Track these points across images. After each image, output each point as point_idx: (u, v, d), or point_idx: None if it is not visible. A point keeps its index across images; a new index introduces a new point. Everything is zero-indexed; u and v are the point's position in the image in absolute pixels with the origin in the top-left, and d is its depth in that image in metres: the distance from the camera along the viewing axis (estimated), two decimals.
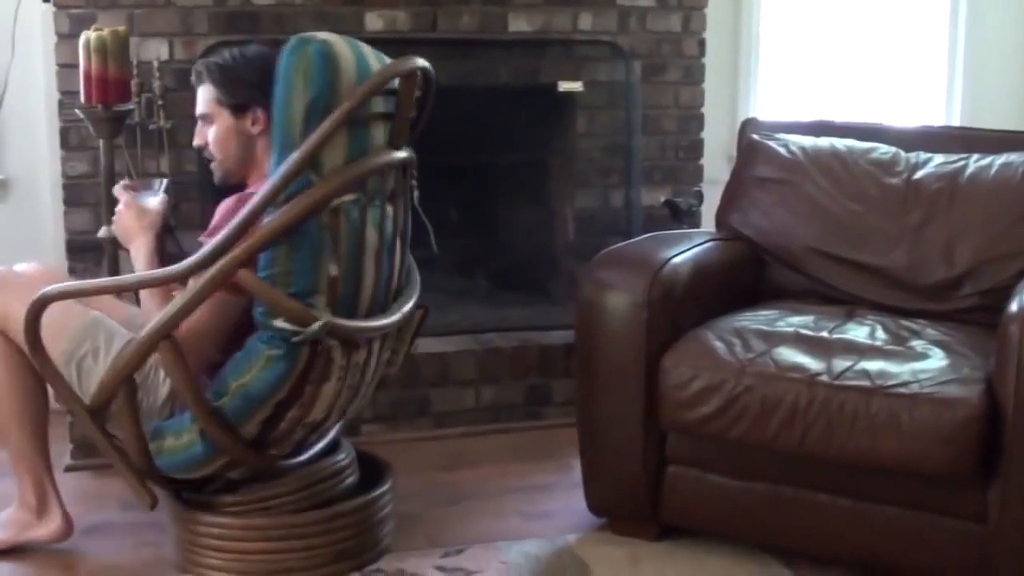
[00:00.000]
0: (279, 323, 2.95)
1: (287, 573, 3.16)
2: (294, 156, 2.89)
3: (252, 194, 3.05)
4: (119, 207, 3.33)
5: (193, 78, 3.32)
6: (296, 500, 3.21)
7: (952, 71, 5.66)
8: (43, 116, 4.40)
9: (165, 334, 2.95)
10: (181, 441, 3.08)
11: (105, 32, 3.78)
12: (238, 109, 3.22)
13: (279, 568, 3.15)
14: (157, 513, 3.33)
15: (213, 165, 3.30)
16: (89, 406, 3.05)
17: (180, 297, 2.97)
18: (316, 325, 2.94)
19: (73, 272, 4.15)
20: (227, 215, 3.07)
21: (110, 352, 3.07)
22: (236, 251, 2.91)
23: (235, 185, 3.30)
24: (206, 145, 3.28)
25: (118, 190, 3.37)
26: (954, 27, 5.63)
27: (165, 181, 3.42)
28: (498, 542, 3.45)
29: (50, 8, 4.12)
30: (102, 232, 3.91)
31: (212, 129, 3.25)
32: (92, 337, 3.10)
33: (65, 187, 4.21)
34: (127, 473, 3.11)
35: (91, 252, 3.84)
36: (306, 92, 2.92)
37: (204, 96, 3.25)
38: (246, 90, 3.21)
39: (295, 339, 2.95)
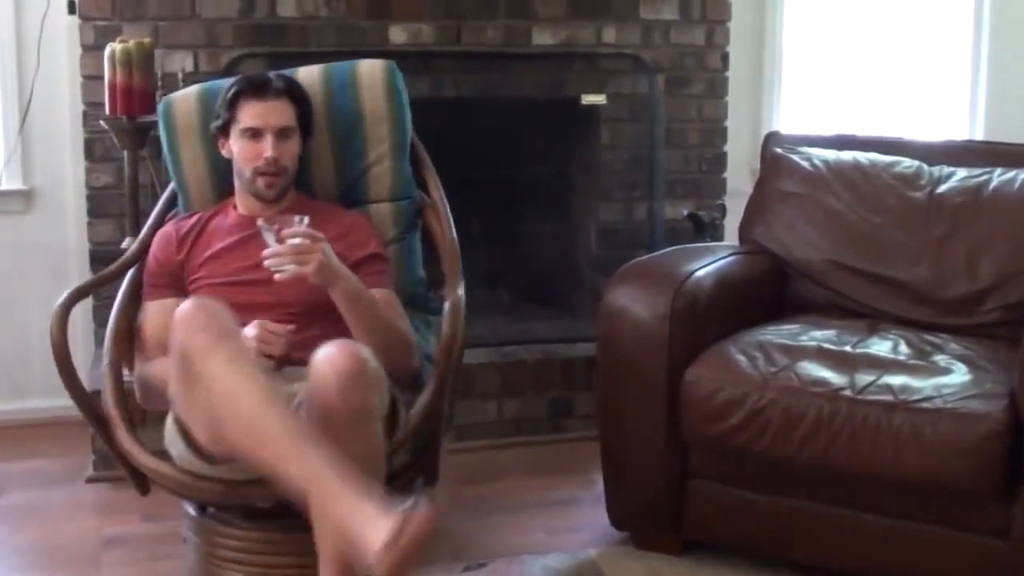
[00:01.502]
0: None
1: None
2: (433, 169, 3.50)
3: (364, 209, 3.40)
4: (321, 246, 2.91)
5: (262, 88, 3.21)
6: None
7: (975, 85, 5.64)
8: (68, 127, 4.42)
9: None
10: None
11: (130, 44, 3.81)
12: (304, 131, 3.29)
13: None
14: (177, 525, 3.33)
15: (275, 179, 3.21)
16: None
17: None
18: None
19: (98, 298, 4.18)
20: (372, 227, 3.32)
21: None
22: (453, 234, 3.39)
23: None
24: (276, 158, 3.18)
25: (287, 234, 2.92)
26: (977, 41, 5.61)
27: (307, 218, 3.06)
28: (520, 556, 3.44)
29: (76, 20, 4.15)
30: (126, 243, 3.92)
31: (291, 144, 3.24)
32: None
33: (89, 198, 4.23)
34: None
35: (114, 263, 3.84)
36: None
37: (288, 112, 3.23)
38: (310, 116, 3.34)
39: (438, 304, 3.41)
